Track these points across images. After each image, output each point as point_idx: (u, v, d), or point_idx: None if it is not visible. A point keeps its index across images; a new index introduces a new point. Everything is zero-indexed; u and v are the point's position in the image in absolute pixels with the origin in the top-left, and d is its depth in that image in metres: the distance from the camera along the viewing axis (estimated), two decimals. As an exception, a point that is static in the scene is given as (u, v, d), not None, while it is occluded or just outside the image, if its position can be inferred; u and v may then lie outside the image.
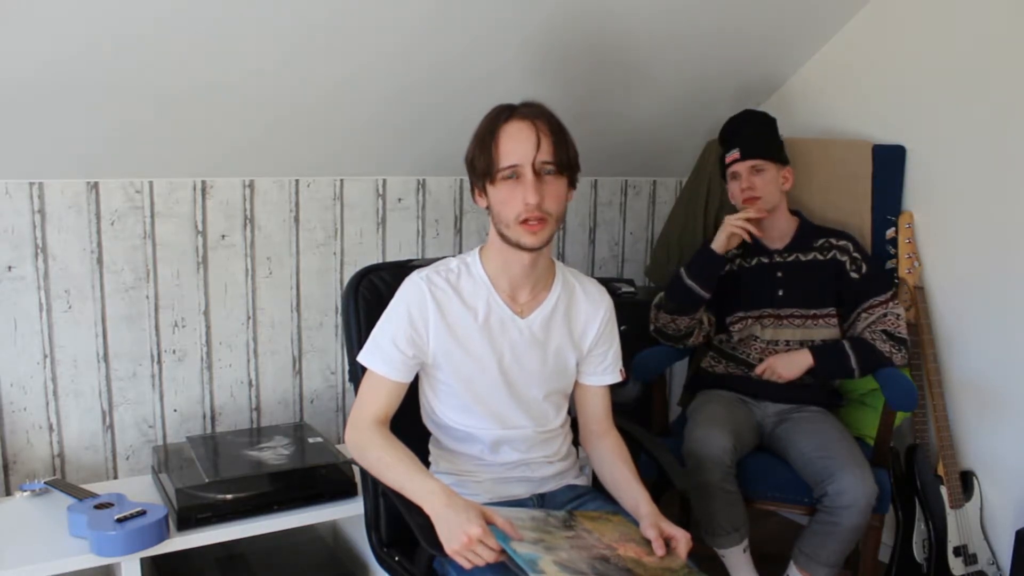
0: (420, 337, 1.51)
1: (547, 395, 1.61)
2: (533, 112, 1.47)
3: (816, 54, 2.64)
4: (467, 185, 2.60)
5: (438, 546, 1.31)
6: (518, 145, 1.43)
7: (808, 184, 2.41)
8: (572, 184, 1.51)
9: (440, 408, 1.60)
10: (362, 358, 1.54)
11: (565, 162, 1.46)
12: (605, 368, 1.67)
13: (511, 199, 1.44)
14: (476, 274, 1.56)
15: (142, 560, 1.73)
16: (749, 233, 2.15)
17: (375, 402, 1.51)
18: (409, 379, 1.54)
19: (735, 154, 2.19)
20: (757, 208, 2.14)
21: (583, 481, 1.72)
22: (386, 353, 1.51)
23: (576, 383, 1.69)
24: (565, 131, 1.49)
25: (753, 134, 2.22)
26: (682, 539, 1.42)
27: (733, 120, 2.27)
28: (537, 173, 1.43)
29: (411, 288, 1.53)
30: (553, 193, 1.45)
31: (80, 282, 2.05)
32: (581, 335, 1.63)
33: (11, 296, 1.98)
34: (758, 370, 2.15)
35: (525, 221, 1.44)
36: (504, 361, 1.56)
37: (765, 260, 2.23)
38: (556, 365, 1.61)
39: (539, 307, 1.58)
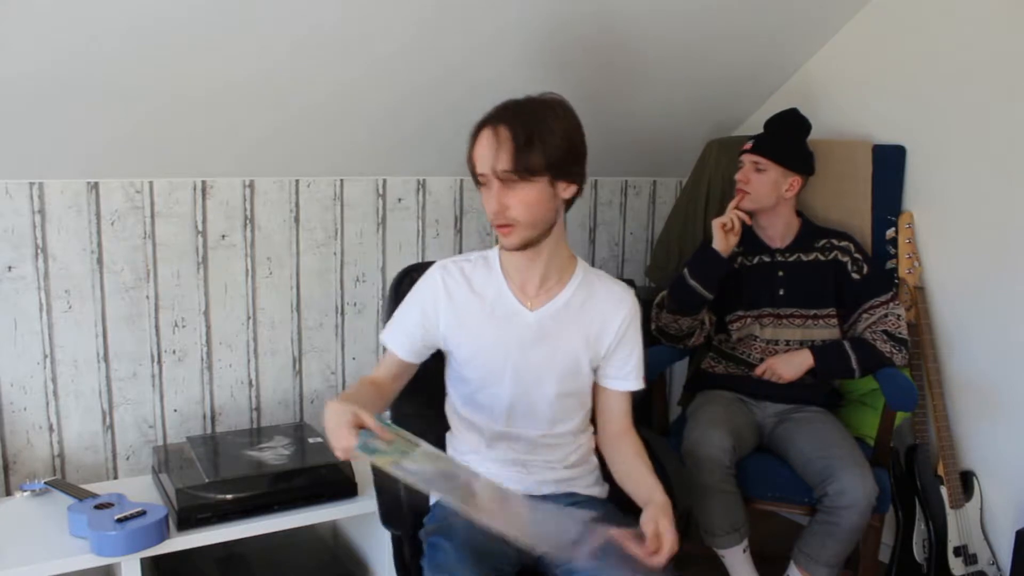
0: (429, 320, 1.58)
1: (560, 395, 1.59)
2: (503, 116, 1.45)
3: (816, 54, 2.64)
4: (467, 185, 2.61)
5: (389, 521, 1.42)
6: (483, 153, 1.45)
7: (808, 184, 2.41)
8: (561, 181, 1.47)
9: (453, 395, 1.67)
10: (382, 335, 1.64)
11: (527, 167, 1.42)
12: (626, 373, 1.63)
13: (486, 205, 1.49)
14: (493, 266, 1.61)
15: (142, 560, 1.73)
16: (746, 227, 2.19)
17: (378, 369, 1.61)
18: (416, 360, 1.61)
19: (749, 144, 2.22)
20: (741, 203, 2.19)
21: (598, 492, 1.67)
22: (396, 332, 1.61)
23: (595, 385, 1.66)
24: (536, 132, 1.42)
25: (773, 133, 2.24)
26: (666, 544, 1.36)
27: (775, 114, 2.29)
28: (503, 180, 1.44)
29: (426, 275, 1.62)
30: (518, 199, 1.44)
31: (80, 282, 2.05)
32: (597, 336, 1.59)
33: (11, 296, 1.98)
34: (758, 371, 2.15)
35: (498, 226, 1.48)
36: (512, 353, 1.56)
37: (767, 259, 2.24)
38: (567, 363, 1.59)
39: (550, 301, 1.57)
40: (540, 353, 1.57)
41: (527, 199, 1.44)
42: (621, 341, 1.61)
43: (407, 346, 1.59)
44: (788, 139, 2.22)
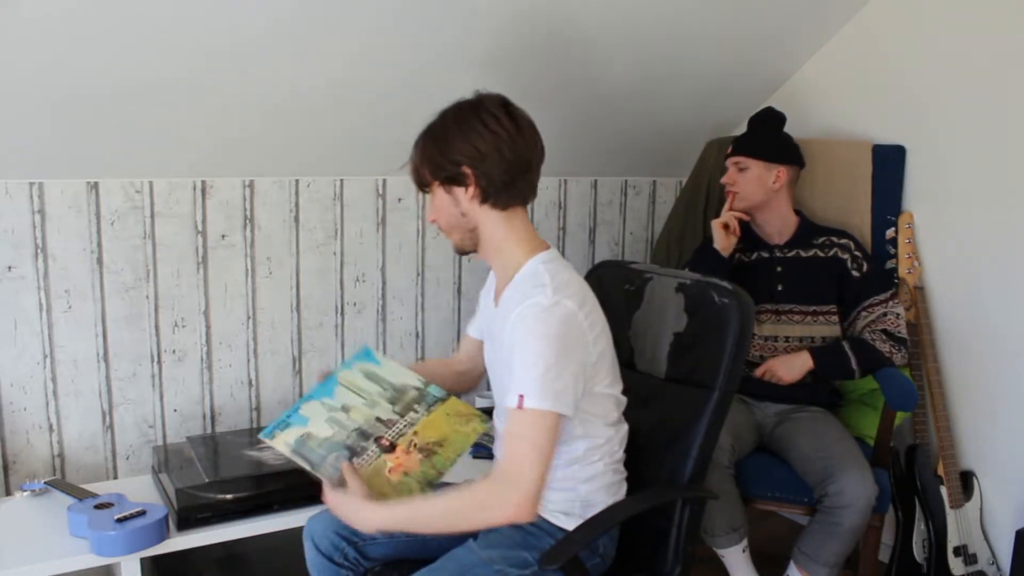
0: None
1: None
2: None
3: (816, 54, 2.64)
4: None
5: None
6: None
7: (808, 184, 2.41)
8: (452, 186, 1.44)
9: None
10: None
11: (421, 182, 1.50)
12: (506, 386, 1.41)
13: None
14: None
15: (142, 560, 1.73)
16: (745, 225, 2.23)
17: None
18: None
19: (730, 148, 2.28)
20: (733, 204, 2.24)
21: (563, 521, 1.49)
22: None
23: None
24: (422, 143, 1.47)
25: (750, 132, 2.30)
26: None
27: (752, 115, 2.35)
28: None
29: None
30: (434, 209, 1.51)
31: (80, 282, 2.05)
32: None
33: (11, 296, 1.98)
34: (758, 372, 2.15)
35: None
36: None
37: (765, 255, 2.24)
38: (507, 365, 1.43)
39: (500, 300, 1.52)
40: (491, 351, 1.58)
41: (437, 207, 1.51)
42: (511, 350, 1.40)
43: None
44: (764, 134, 2.27)
